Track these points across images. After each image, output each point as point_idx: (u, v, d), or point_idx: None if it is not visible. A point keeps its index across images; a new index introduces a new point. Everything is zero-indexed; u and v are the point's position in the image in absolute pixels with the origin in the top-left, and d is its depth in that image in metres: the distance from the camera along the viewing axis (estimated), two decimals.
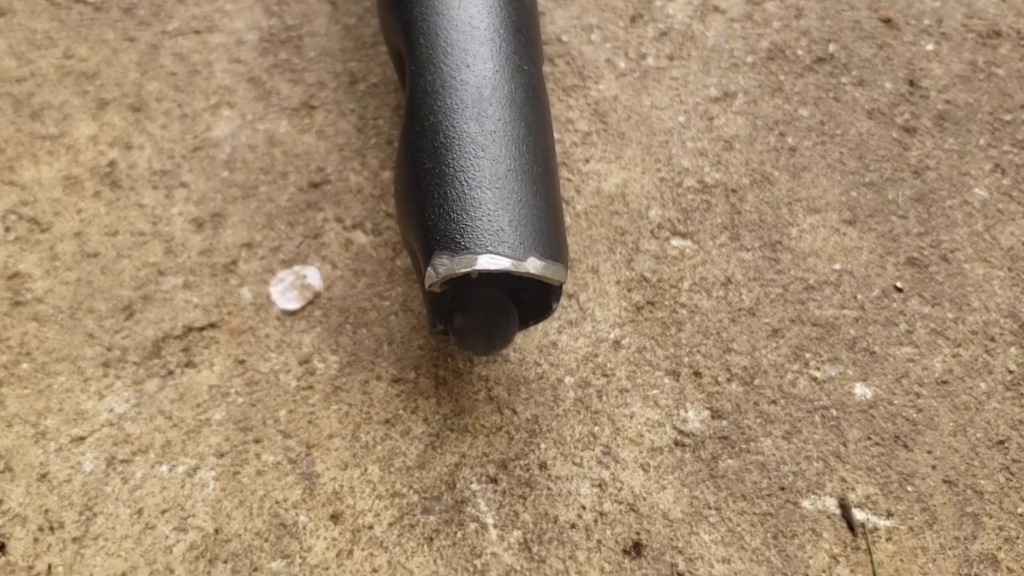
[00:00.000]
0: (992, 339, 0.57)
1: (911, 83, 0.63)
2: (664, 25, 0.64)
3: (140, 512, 0.52)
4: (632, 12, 0.65)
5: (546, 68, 0.63)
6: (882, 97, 0.62)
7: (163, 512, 0.53)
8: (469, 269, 0.48)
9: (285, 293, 0.57)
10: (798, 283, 0.58)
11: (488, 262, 0.48)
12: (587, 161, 0.60)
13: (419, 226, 0.49)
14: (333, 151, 0.61)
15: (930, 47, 0.64)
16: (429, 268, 0.49)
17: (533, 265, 0.48)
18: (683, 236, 0.59)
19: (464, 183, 0.49)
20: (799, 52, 0.64)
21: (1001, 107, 0.62)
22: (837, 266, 0.58)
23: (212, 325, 0.56)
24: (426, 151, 0.50)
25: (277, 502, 0.53)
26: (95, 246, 0.58)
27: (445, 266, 0.48)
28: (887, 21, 0.64)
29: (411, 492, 0.53)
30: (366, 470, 0.54)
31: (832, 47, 0.64)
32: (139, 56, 0.63)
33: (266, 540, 0.52)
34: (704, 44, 0.64)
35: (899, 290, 0.58)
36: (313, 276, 0.57)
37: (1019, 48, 0.64)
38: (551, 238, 0.50)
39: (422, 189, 0.50)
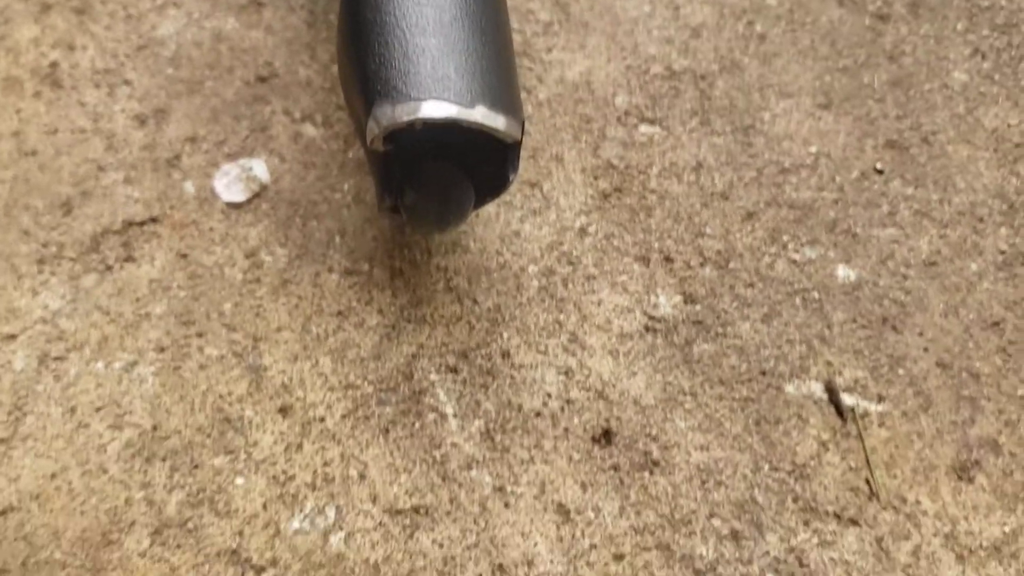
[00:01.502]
0: (980, 219, 0.51)
1: None
2: None
3: (73, 410, 0.46)
4: None
5: None
6: None
7: (97, 410, 0.46)
8: (412, 117, 0.42)
9: (230, 186, 0.51)
10: (773, 166, 0.52)
11: (433, 109, 0.42)
12: (549, 51, 0.55)
13: (360, 80, 0.44)
14: (281, 46, 0.55)
15: None
16: (370, 120, 0.43)
17: (482, 114, 0.42)
18: (651, 122, 0.53)
19: (405, 30, 0.43)
20: None
21: None
22: (813, 149, 0.53)
23: (153, 219, 0.50)
24: (367, 2, 0.44)
25: (221, 396, 0.47)
26: (33, 144, 0.52)
27: (387, 116, 0.42)
28: None
29: (365, 384, 0.47)
30: (317, 362, 0.48)
31: None
32: None
33: (208, 436, 0.46)
34: None
35: (879, 172, 0.52)
36: (260, 169, 0.51)
37: None
38: (502, 89, 0.44)
39: (362, 41, 0.44)
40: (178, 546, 0.44)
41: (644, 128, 0.53)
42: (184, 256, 0.49)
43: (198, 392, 0.47)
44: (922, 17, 0.56)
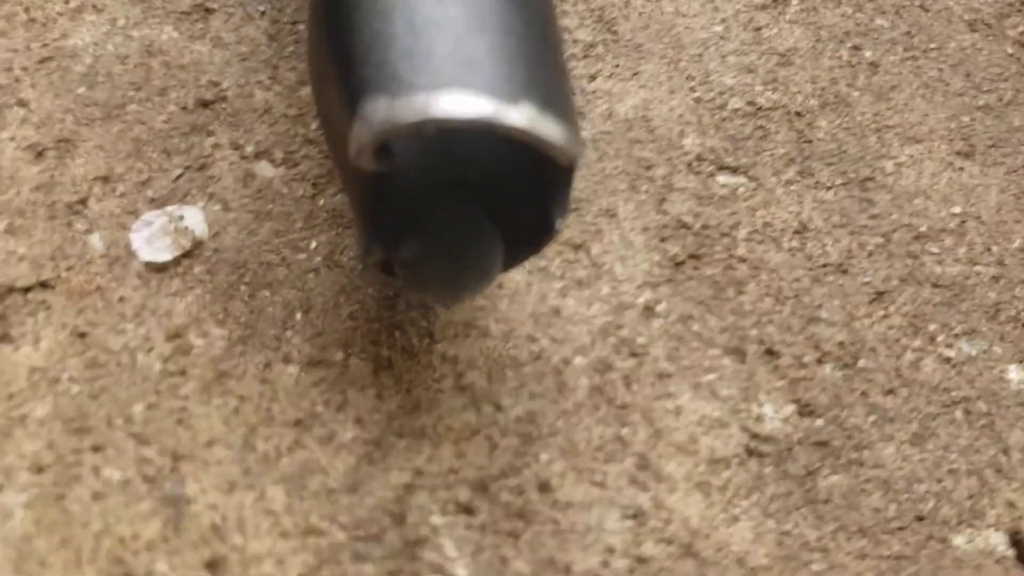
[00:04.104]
0: None
1: None
2: None
3: None
4: None
5: None
6: (984, 7, 0.44)
7: None
8: (422, 117, 0.27)
9: (152, 241, 0.36)
10: (904, 231, 0.38)
11: (455, 104, 0.27)
12: (593, 78, 0.41)
13: (342, 67, 0.29)
14: (233, 62, 0.40)
15: None
16: (356, 122, 0.28)
17: (529, 116, 0.28)
18: (733, 171, 0.39)
19: None
20: None
21: None
22: (956, 210, 0.38)
23: (43, 284, 0.35)
24: None
25: (122, 541, 0.31)
26: None
27: (381, 114, 0.27)
28: None
29: (335, 528, 0.31)
30: (263, 494, 0.32)
31: None
32: None
33: None
34: None
35: None
36: (194, 218, 0.36)
37: None
38: (554, 85, 0.29)
39: (348, 10, 0.29)
40: None
41: (724, 178, 0.38)
42: (82, 336, 0.34)
43: (88, 534, 0.31)
44: None
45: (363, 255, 0.31)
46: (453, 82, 0.27)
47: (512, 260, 0.32)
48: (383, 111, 0.27)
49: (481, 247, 0.31)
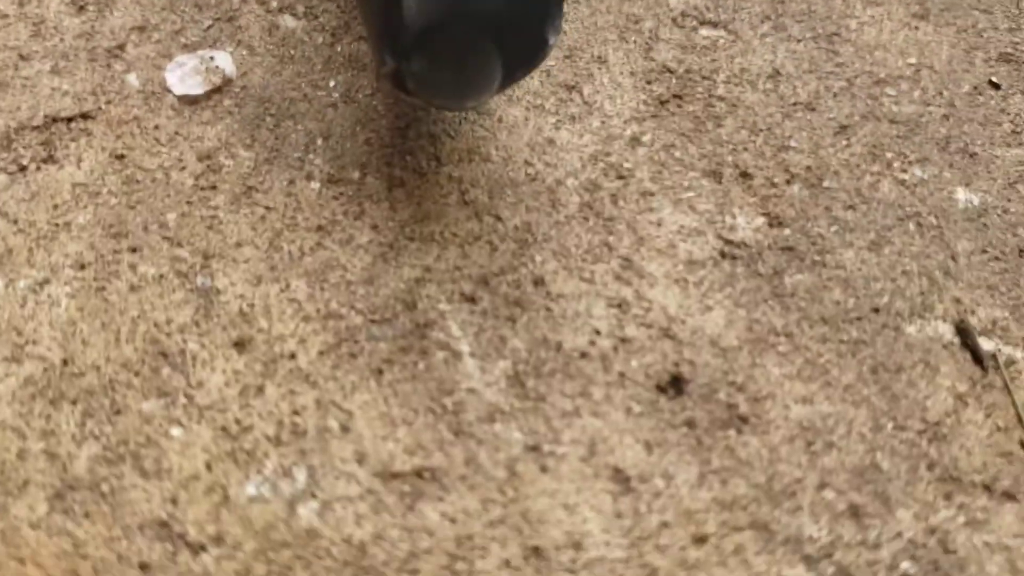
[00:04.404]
0: None
1: None
2: None
3: None
4: None
5: None
6: None
7: None
8: None
9: (185, 79, 0.39)
10: (865, 76, 0.41)
11: None
12: None
13: None
14: None
15: None
16: None
17: None
18: (714, 25, 0.42)
19: None
20: None
21: None
22: (912, 60, 0.42)
23: (85, 115, 0.39)
24: None
25: (156, 325, 0.34)
26: None
27: None
28: None
29: (353, 313, 0.35)
30: (288, 285, 0.35)
31: None
32: None
33: (136, 373, 0.33)
34: None
35: (996, 86, 0.41)
36: (224, 60, 0.40)
37: None
38: None
39: None
40: (86, 515, 0.31)
41: (706, 31, 0.42)
42: (120, 157, 0.38)
43: (126, 319, 0.34)
44: None
45: (378, 66, 0.34)
46: None
47: (512, 76, 0.35)
48: None
49: (481, 63, 0.34)
